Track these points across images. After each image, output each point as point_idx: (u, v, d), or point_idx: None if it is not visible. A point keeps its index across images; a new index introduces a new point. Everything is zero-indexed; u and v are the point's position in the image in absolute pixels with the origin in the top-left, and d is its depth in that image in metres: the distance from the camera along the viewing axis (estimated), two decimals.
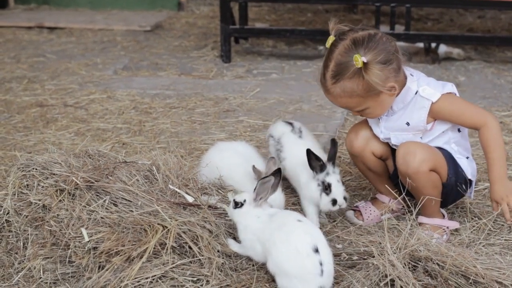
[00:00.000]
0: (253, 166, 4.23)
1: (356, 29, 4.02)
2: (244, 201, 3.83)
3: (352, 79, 3.93)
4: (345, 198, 4.18)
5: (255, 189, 3.79)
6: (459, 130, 4.24)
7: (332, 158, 4.19)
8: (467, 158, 4.29)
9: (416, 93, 4.09)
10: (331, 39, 4.03)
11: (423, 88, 4.09)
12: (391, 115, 4.19)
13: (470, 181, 4.29)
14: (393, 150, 4.32)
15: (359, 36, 3.95)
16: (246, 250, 3.81)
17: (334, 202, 4.15)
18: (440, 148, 4.19)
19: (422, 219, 4.22)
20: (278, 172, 3.86)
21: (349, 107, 4.09)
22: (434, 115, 4.11)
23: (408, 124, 4.14)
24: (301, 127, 4.65)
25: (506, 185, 4.07)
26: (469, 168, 4.27)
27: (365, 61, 3.86)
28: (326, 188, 4.15)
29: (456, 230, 4.30)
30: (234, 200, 3.88)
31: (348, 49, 3.93)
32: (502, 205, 4.05)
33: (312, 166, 4.18)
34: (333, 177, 4.17)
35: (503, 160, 4.09)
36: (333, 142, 4.21)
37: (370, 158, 4.35)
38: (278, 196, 4.15)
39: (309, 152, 4.13)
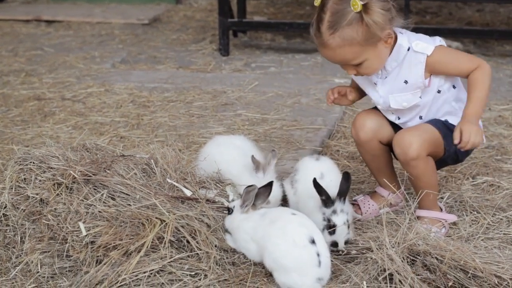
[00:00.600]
0: (252, 156, 4.20)
1: None
2: (234, 207, 3.88)
3: (351, 25, 3.83)
4: (346, 242, 3.95)
5: (241, 196, 3.83)
6: (454, 87, 4.20)
7: (343, 193, 3.94)
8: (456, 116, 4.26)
9: (408, 49, 4.04)
10: None
11: (416, 43, 4.04)
12: (385, 77, 4.14)
13: None
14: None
15: None
16: (240, 250, 3.82)
17: (334, 244, 3.91)
18: (437, 121, 4.17)
19: (420, 212, 4.20)
20: (269, 185, 3.86)
21: (348, 60, 3.95)
22: (431, 69, 4.05)
23: (406, 82, 4.08)
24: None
25: (473, 123, 3.94)
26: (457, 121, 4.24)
27: (363, 3, 3.80)
28: (330, 227, 3.92)
29: (455, 224, 4.29)
30: (227, 207, 3.93)
31: None
32: (460, 134, 3.90)
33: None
34: (340, 217, 3.92)
35: (483, 102, 4.00)
36: (346, 176, 3.96)
37: (377, 146, 4.31)
38: (276, 191, 4.15)
39: (316, 184, 3.91)
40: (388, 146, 4.34)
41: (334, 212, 3.93)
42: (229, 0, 8.36)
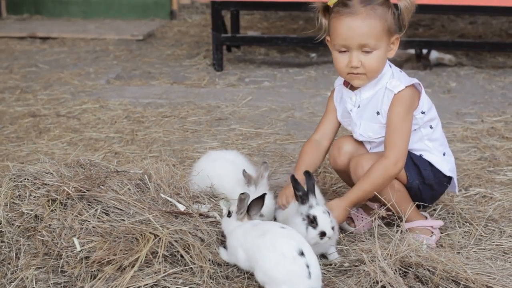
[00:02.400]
0: (244, 171, 4.24)
1: None
2: (233, 211, 3.91)
3: (381, 6, 3.99)
4: (333, 228, 3.91)
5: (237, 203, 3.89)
6: (431, 127, 4.25)
7: (311, 189, 3.93)
8: (444, 154, 4.29)
9: (386, 83, 4.13)
10: None
11: (390, 81, 4.12)
12: (358, 106, 4.21)
13: (451, 177, 4.31)
14: None
15: None
16: (232, 258, 3.84)
17: (322, 234, 3.87)
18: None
19: (405, 225, 4.23)
20: (261, 197, 3.90)
21: (371, 35, 3.99)
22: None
23: (378, 113, 4.16)
24: None
25: (344, 207, 4.07)
26: (445, 165, 4.26)
27: None
28: (312, 221, 3.89)
29: (448, 235, 4.31)
30: (228, 209, 3.95)
31: None
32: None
33: (296, 197, 3.96)
34: (317, 209, 3.90)
35: (364, 193, 4.07)
36: (308, 174, 3.98)
37: None
38: (269, 203, 4.17)
39: (293, 180, 3.93)
40: None
41: (311, 206, 3.91)
42: (222, 15, 8.40)
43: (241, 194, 3.84)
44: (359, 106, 4.22)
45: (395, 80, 4.12)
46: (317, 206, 3.91)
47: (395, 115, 4.08)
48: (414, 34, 10.10)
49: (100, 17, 11.73)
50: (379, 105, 4.15)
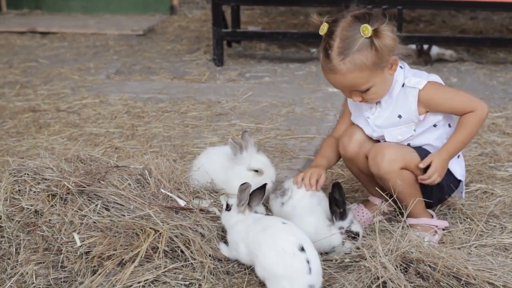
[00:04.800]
0: (231, 139, 4.31)
1: (352, 9, 3.98)
2: (232, 204, 3.88)
3: (361, 51, 3.87)
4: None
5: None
6: (449, 126, 4.24)
7: (344, 204, 3.97)
8: (458, 156, 4.29)
9: (403, 85, 4.10)
10: (325, 25, 3.97)
11: (409, 79, 4.10)
12: (380, 113, 4.19)
13: (460, 180, 4.30)
14: None
15: (358, 13, 3.93)
16: (232, 253, 3.83)
17: (357, 248, 3.96)
18: (420, 148, 4.20)
19: (410, 220, 4.22)
20: (263, 187, 3.89)
21: (357, 85, 3.97)
22: (425, 105, 4.10)
23: (400, 117, 4.14)
24: None
25: (445, 160, 4.08)
26: (458, 168, 4.27)
27: (373, 28, 3.84)
28: (354, 237, 3.95)
29: (449, 231, 4.30)
30: (227, 202, 3.92)
31: (351, 23, 3.89)
32: (430, 170, 4.03)
33: (332, 211, 3.98)
34: (357, 225, 3.99)
35: (462, 145, 4.12)
36: (338, 187, 3.95)
37: (364, 161, 4.32)
38: (269, 170, 4.28)
39: (334, 198, 3.94)
40: None
41: (352, 222, 3.98)
42: (223, 10, 8.39)
43: (241, 184, 3.81)
44: (379, 113, 4.20)
45: (413, 78, 4.10)
46: (356, 221, 3.99)
47: (442, 100, 4.10)
48: (415, 30, 10.09)
49: (100, 12, 11.71)
50: (402, 106, 4.11)
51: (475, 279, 3.47)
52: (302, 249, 3.50)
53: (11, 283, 3.77)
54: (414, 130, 4.17)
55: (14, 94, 7.29)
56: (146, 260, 3.70)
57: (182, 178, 4.34)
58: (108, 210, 3.90)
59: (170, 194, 4.10)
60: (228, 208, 3.91)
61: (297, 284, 3.48)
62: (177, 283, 3.64)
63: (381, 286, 3.47)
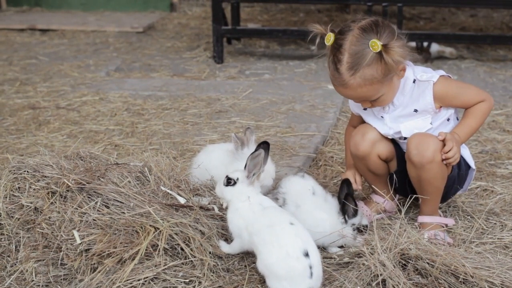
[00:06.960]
0: (234, 134, 4.31)
1: (357, 19, 3.96)
2: (237, 179, 3.81)
3: (371, 65, 3.86)
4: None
5: (245, 167, 3.79)
6: (457, 119, 4.25)
7: (354, 199, 4.05)
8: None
9: (414, 81, 4.09)
10: (330, 35, 3.97)
11: (420, 75, 4.09)
12: (393, 111, 4.19)
13: (467, 172, 4.33)
14: (396, 150, 4.32)
15: (364, 24, 3.90)
16: (233, 247, 3.81)
17: (366, 226, 4.09)
18: None
19: (423, 218, 4.21)
20: (265, 145, 3.87)
21: (368, 97, 4.00)
22: (440, 100, 4.10)
23: (416, 111, 4.14)
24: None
25: (458, 141, 4.07)
26: (471, 159, 4.30)
27: (382, 43, 3.83)
28: (362, 230, 4.05)
29: (449, 229, 4.30)
30: (227, 176, 3.84)
31: (359, 37, 3.87)
32: (447, 145, 4.01)
33: (344, 210, 4.04)
34: (365, 218, 4.10)
35: (472, 131, 4.15)
36: (348, 183, 4.07)
37: (375, 160, 4.31)
38: (269, 167, 4.22)
39: (348, 200, 4.02)
40: (386, 163, 4.38)
41: (362, 217, 4.06)
42: (223, 7, 8.38)
43: (252, 153, 3.76)
44: (394, 111, 4.20)
45: (424, 74, 4.10)
46: (363, 215, 4.09)
47: (456, 94, 4.12)
48: (415, 27, 10.09)
49: (100, 9, 11.71)
50: (417, 100, 4.11)
51: (472, 277, 3.47)
52: (307, 254, 3.48)
53: (11, 281, 3.78)
54: (431, 124, 4.15)
55: (13, 91, 7.29)
56: (146, 258, 3.70)
57: (182, 175, 4.34)
58: (108, 207, 3.90)
59: (170, 192, 4.09)
60: (231, 183, 3.86)
61: (298, 287, 3.48)
62: (177, 280, 3.64)
63: (380, 283, 3.47)
